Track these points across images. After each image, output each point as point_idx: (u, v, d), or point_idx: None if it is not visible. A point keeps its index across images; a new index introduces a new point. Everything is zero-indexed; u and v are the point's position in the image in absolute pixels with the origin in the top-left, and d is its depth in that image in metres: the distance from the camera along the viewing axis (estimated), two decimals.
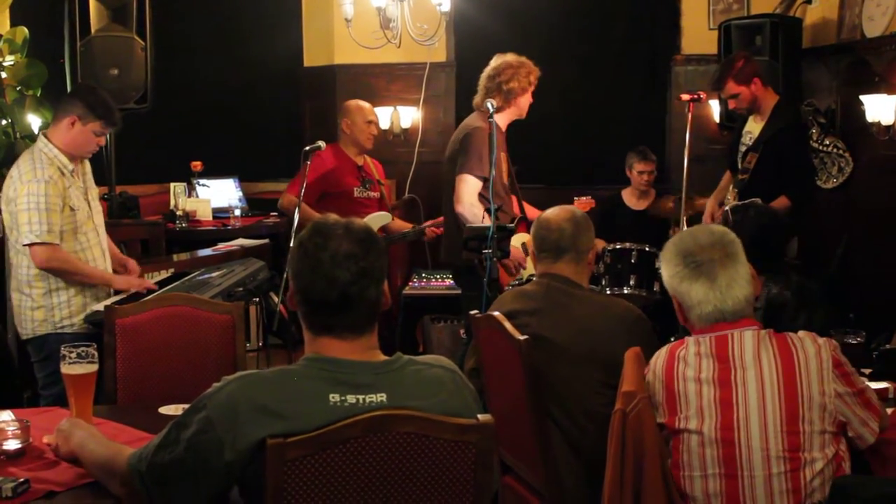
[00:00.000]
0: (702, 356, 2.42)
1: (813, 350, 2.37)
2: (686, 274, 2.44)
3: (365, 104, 5.59)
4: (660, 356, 2.51)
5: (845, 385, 2.37)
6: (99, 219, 4.02)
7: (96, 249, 3.92)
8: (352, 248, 1.96)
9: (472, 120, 4.59)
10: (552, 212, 3.30)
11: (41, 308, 3.81)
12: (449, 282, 5.62)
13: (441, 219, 5.23)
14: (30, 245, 3.72)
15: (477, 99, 4.68)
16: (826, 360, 2.36)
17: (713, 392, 2.38)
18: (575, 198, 5.18)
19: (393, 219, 5.63)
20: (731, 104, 4.87)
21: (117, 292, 3.93)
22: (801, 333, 2.44)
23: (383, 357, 2.03)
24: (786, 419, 2.32)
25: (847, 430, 2.39)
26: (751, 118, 4.87)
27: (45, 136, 3.85)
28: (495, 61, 4.70)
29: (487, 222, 4.14)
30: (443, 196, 4.87)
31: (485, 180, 4.42)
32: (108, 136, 4.06)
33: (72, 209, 3.79)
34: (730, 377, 2.38)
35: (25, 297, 3.83)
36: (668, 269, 2.49)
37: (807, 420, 2.32)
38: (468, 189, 4.43)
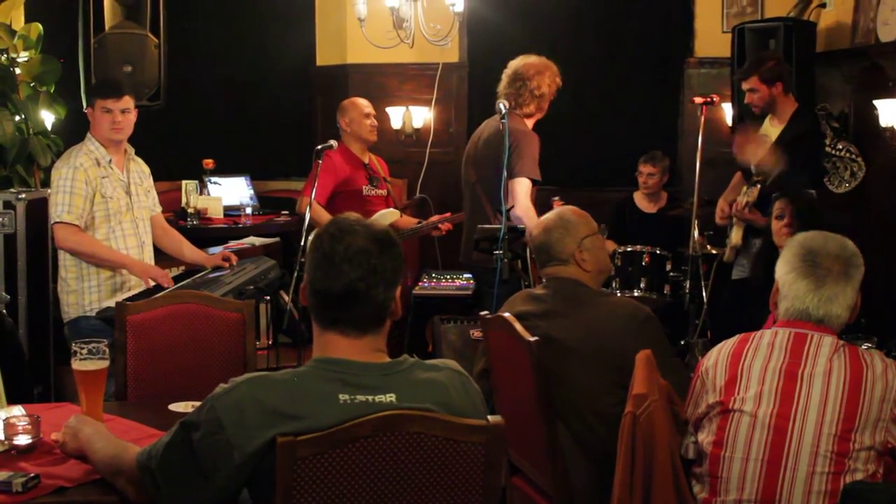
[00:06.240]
0: (775, 346, 2.45)
1: (881, 368, 2.38)
2: (799, 268, 2.46)
3: (360, 99, 5.58)
4: (729, 340, 2.54)
5: None
6: (142, 213, 4.22)
7: (131, 240, 4.13)
8: (366, 245, 1.95)
9: (516, 123, 4.50)
10: (537, 221, 3.33)
11: (74, 292, 4.04)
12: (459, 282, 5.61)
13: (449, 214, 5.22)
14: (53, 224, 3.99)
15: (510, 101, 4.56)
16: (891, 380, 2.37)
17: (777, 381, 2.40)
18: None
19: (401, 216, 5.63)
20: (748, 97, 4.87)
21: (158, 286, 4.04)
22: (871, 351, 2.46)
23: (389, 359, 2.02)
24: (842, 425, 2.33)
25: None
26: (767, 121, 4.86)
27: (90, 133, 4.15)
28: (521, 64, 4.63)
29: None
30: (466, 198, 4.82)
31: (536, 182, 4.40)
32: (126, 113, 4.14)
33: (103, 197, 4.03)
34: (797, 371, 2.40)
35: (62, 280, 4.09)
36: (787, 253, 2.51)
37: (859, 433, 2.33)
38: (524, 191, 4.39)
